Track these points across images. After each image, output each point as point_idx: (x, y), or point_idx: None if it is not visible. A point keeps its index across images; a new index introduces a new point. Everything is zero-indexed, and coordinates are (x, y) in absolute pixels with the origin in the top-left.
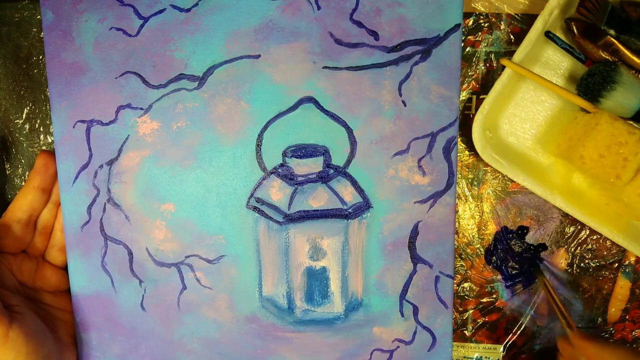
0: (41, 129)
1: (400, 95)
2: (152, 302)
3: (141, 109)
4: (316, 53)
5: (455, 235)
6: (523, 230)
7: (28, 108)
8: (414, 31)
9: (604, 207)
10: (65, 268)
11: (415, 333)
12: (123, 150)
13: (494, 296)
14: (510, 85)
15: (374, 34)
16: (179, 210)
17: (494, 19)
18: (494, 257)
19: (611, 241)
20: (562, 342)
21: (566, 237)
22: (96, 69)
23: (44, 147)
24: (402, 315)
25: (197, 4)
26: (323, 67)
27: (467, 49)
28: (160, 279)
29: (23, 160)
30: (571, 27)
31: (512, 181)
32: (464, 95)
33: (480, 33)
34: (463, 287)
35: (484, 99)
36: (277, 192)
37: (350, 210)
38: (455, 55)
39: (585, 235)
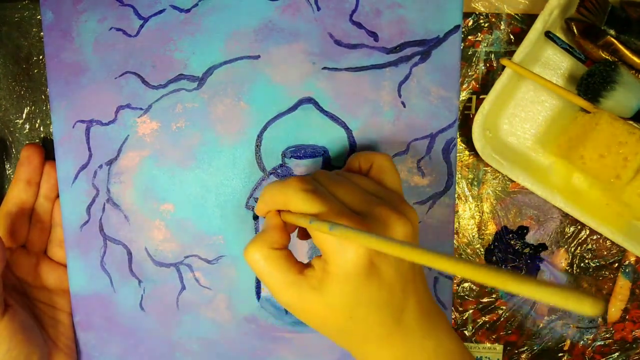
0: (41, 129)
1: (400, 96)
2: (151, 302)
3: (141, 109)
4: (316, 54)
5: (455, 235)
6: (523, 230)
7: (28, 108)
8: (413, 32)
9: (604, 207)
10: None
11: None
12: (122, 150)
13: (494, 296)
14: (510, 85)
15: (374, 35)
16: (178, 211)
17: (494, 19)
18: (494, 257)
19: (611, 241)
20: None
21: (566, 237)
22: (96, 69)
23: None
24: None
25: (196, 5)
26: (322, 68)
27: (468, 49)
28: (160, 279)
29: None
30: (571, 27)
31: (512, 181)
32: (464, 95)
33: (480, 33)
34: (463, 287)
35: (484, 99)
36: None
37: None
38: (454, 57)
39: (585, 235)
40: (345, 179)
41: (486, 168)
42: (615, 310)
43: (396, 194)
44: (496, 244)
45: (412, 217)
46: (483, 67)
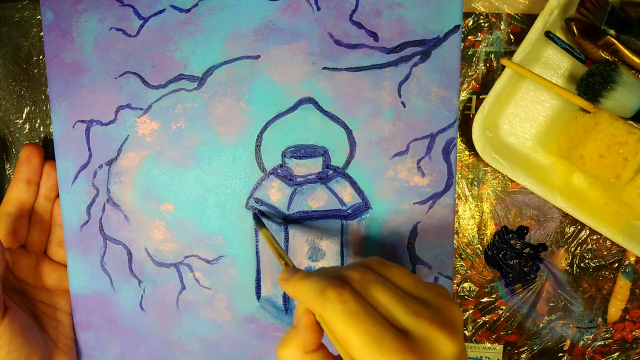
0: (41, 129)
1: (400, 96)
2: (151, 302)
3: (141, 109)
4: (316, 54)
5: (455, 235)
6: (523, 230)
7: (28, 108)
8: (413, 32)
9: (604, 207)
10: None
11: None
12: (122, 150)
13: (494, 296)
14: (510, 85)
15: (374, 35)
16: (178, 211)
17: (494, 19)
18: (494, 258)
19: (611, 241)
20: (281, 281)
21: (566, 237)
22: (96, 69)
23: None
24: None
25: (196, 5)
26: (323, 68)
27: (468, 49)
28: (160, 279)
29: None
30: (571, 27)
31: (512, 181)
32: (464, 95)
33: (480, 33)
34: (463, 287)
35: (484, 99)
36: (276, 193)
37: (349, 211)
38: (454, 57)
39: (585, 235)
40: (388, 281)
41: (486, 168)
42: (615, 310)
43: (438, 288)
44: (496, 244)
45: (457, 320)
46: (483, 67)
